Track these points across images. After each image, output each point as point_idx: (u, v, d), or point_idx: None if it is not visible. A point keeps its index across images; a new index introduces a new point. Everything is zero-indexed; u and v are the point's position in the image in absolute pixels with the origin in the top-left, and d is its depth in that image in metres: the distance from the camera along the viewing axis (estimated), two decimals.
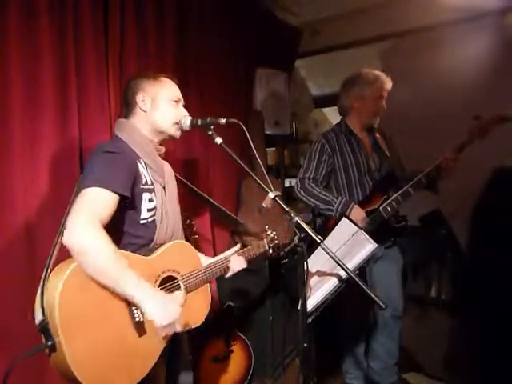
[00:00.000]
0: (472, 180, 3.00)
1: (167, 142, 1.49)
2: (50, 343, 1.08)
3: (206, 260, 1.56)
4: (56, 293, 1.07)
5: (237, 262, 1.61)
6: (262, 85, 3.12)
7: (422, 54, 3.43)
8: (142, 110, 1.40)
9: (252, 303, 2.43)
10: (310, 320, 1.45)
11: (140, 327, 1.21)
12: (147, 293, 1.15)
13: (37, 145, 1.61)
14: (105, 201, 1.18)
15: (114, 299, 1.17)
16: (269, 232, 1.78)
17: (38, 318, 1.10)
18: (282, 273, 2.36)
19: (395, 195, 2.03)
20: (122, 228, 1.29)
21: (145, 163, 1.36)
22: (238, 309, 2.26)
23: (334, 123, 2.34)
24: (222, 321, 2.16)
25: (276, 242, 1.78)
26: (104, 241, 1.13)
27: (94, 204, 1.16)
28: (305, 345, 1.29)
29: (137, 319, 1.21)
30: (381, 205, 2.03)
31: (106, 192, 1.18)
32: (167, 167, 1.51)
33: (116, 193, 1.20)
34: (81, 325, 1.10)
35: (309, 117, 4.50)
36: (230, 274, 1.61)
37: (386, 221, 2.02)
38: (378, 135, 2.25)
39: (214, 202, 1.93)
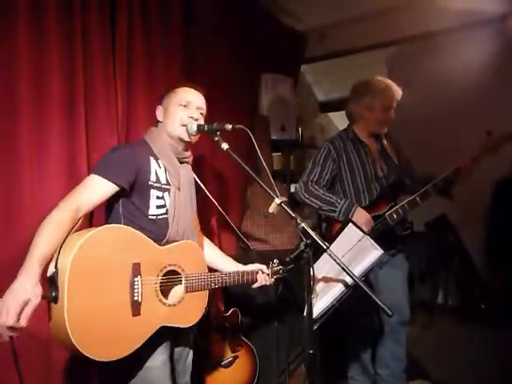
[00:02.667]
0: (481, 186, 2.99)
1: (189, 146, 1.57)
2: (54, 294, 1.13)
3: (229, 264, 1.69)
4: (74, 249, 1.14)
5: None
6: (268, 90, 3.13)
7: (427, 59, 3.44)
8: (159, 122, 1.54)
9: (258, 308, 2.42)
10: (316, 326, 1.44)
11: (136, 307, 1.26)
12: (29, 272, 1.09)
13: (44, 150, 1.63)
14: (95, 186, 1.31)
15: (120, 275, 1.24)
16: (275, 265, 1.77)
17: (51, 269, 1.15)
18: (287, 279, 2.36)
19: (402, 203, 2.01)
20: (134, 221, 1.39)
21: (164, 164, 1.48)
22: (244, 314, 2.25)
23: (339, 128, 2.33)
24: (228, 326, 2.15)
25: (279, 275, 1.76)
26: (56, 219, 1.19)
27: (82, 188, 1.30)
28: (310, 351, 1.29)
29: (135, 298, 1.26)
30: (387, 211, 2.02)
31: (99, 179, 1.31)
32: (185, 171, 1.56)
33: (110, 181, 1.32)
34: (86, 285, 1.16)
35: (315, 122, 4.52)
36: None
37: (391, 228, 2.00)
38: (385, 142, 2.23)
39: (228, 219, 1.95)
